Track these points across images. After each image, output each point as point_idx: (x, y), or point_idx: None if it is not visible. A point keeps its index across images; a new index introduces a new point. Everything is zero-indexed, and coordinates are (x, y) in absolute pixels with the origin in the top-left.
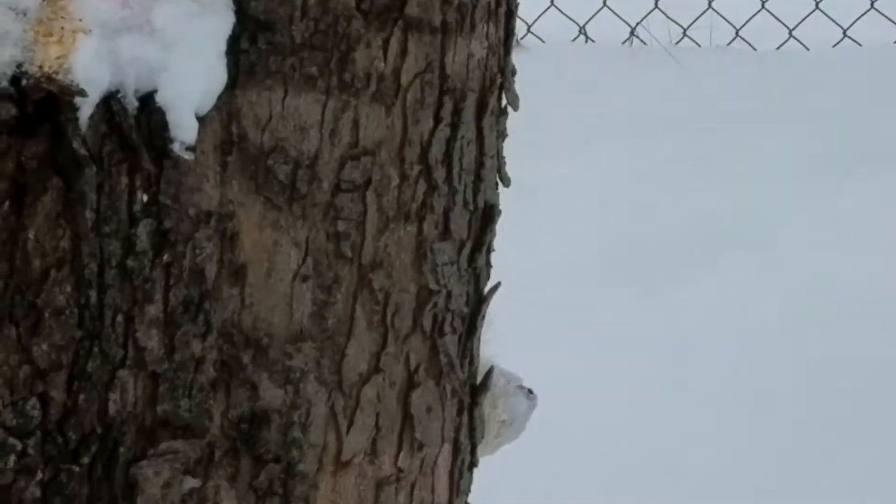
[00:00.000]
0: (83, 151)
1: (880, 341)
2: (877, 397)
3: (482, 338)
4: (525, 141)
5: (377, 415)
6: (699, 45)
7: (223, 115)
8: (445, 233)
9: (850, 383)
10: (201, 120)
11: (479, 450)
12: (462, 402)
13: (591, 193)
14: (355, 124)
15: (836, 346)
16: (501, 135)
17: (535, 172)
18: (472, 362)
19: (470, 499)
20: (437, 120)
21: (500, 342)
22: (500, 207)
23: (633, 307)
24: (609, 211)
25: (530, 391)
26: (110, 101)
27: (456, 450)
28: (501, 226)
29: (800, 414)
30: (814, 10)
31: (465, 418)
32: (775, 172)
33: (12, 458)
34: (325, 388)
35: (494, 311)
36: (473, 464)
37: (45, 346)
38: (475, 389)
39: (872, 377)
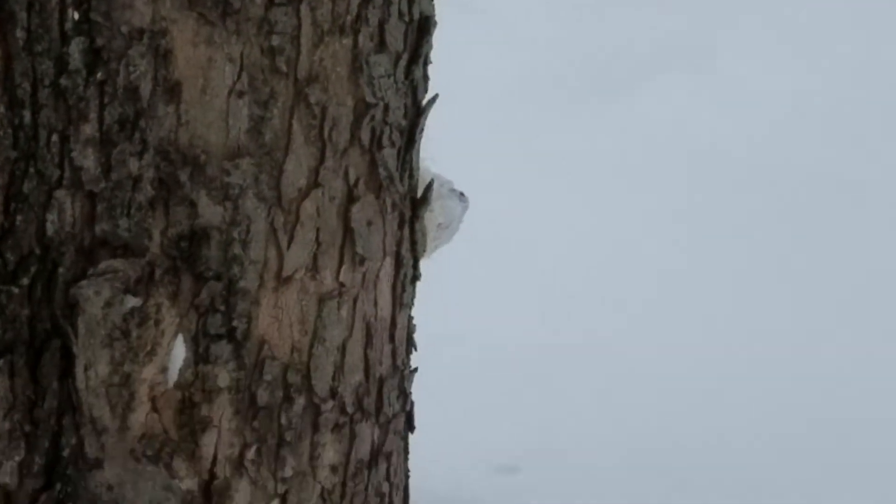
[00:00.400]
0: None
1: (821, 148)
2: (817, 201)
3: (421, 153)
4: None
5: (317, 230)
6: None
7: None
8: (381, 45)
9: (790, 192)
10: None
11: None
12: (403, 215)
13: (537, 13)
14: None
15: (776, 157)
16: None
17: None
18: (411, 175)
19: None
20: None
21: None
22: (437, 20)
23: (575, 124)
24: (554, 32)
25: (462, 194)
26: None
27: (398, 263)
28: (446, 44)
29: (740, 221)
30: None
31: (407, 231)
32: None
33: None
34: (264, 203)
35: (432, 126)
36: (416, 277)
37: None
38: (416, 203)
39: (815, 184)
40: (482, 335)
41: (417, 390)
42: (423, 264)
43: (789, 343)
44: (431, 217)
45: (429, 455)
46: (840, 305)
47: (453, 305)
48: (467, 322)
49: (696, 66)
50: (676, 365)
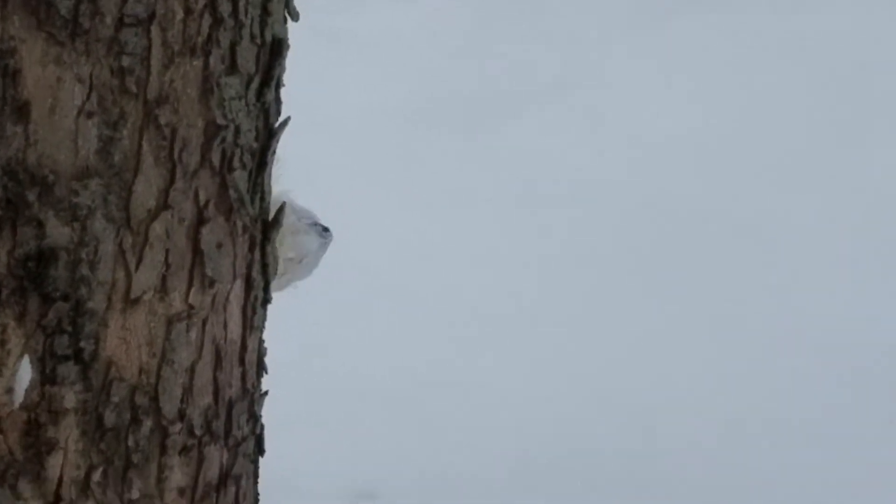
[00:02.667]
0: None
1: (701, 183)
2: (692, 231)
3: (273, 174)
4: None
5: (167, 251)
6: None
7: None
8: (232, 67)
9: (671, 225)
10: None
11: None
12: (254, 237)
13: (415, 43)
14: None
15: (653, 189)
16: None
17: (359, 19)
18: (262, 198)
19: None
20: None
21: (303, 182)
22: (290, 43)
23: (453, 154)
24: (427, 63)
25: (325, 229)
26: None
27: (249, 286)
28: (316, 73)
29: (622, 245)
30: None
31: (258, 254)
32: (597, 24)
33: None
34: (112, 224)
35: (290, 149)
36: (267, 300)
37: None
38: (267, 225)
39: (693, 217)
40: (344, 365)
41: (278, 416)
42: (286, 295)
43: (652, 367)
44: (281, 251)
45: (287, 482)
46: (709, 332)
47: (316, 335)
48: (330, 351)
49: (569, 98)
50: (541, 390)
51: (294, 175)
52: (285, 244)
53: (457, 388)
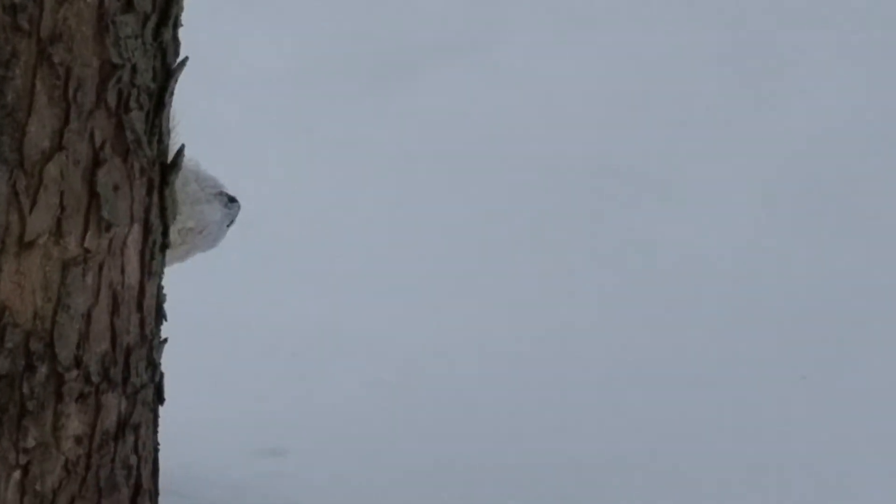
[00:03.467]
0: None
1: (606, 139)
2: (595, 189)
3: (172, 125)
4: None
5: (61, 193)
6: None
7: None
8: (128, 5)
9: (573, 177)
10: None
11: (168, 256)
12: (152, 180)
13: (317, 1)
14: None
15: (557, 144)
16: None
17: None
18: (161, 140)
19: None
20: None
21: (211, 147)
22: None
23: (357, 110)
24: (334, 19)
25: (231, 199)
26: None
27: (146, 230)
28: (224, 32)
29: (537, 205)
30: None
31: (156, 198)
32: None
33: None
34: (5, 166)
35: (198, 112)
36: (165, 245)
37: None
38: (166, 168)
39: (591, 169)
40: (259, 321)
41: (186, 371)
42: (190, 263)
43: (567, 341)
44: (182, 220)
45: (195, 437)
46: (617, 298)
47: (231, 294)
48: (244, 309)
49: (476, 53)
50: (452, 352)
51: (201, 140)
52: (184, 213)
53: (366, 345)
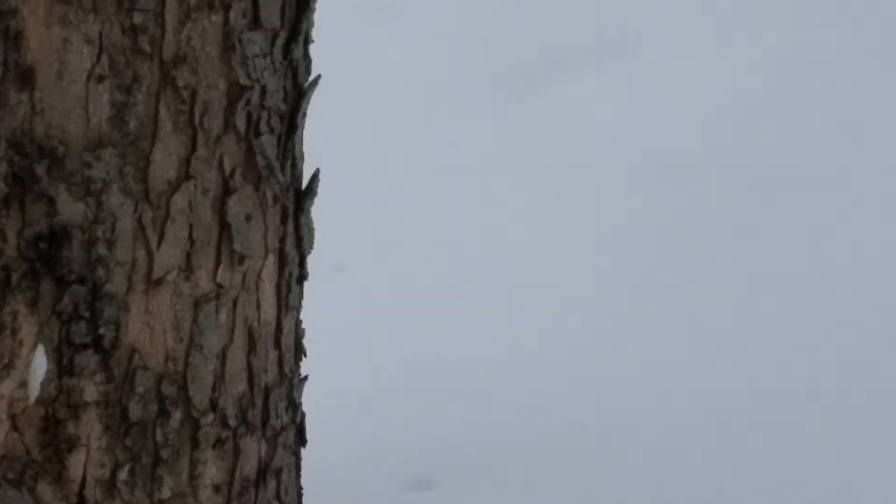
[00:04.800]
0: None
1: (745, 144)
2: (729, 191)
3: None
4: None
5: (190, 226)
6: None
7: None
8: (255, 21)
9: (714, 189)
10: None
11: None
12: (286, 208)
13: (454, 10)
14: None
15: (700, 150)
16: None
17: None
18: (294, 165)
19: None
20: None
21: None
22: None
23: (501, 115)
24: (470, 28)
25: None
26: None
27: (282, 261)
28: (360, 44)
29: (666, 221)
30: None
31: (291, 226)
32: None
33: None
34: (130, 199)
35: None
36: (303, 276)
37: None
38: (300, 195)
39: (728, 177)
40: (394, 347)
41: (331, 401)
42: (334, 275)
43: (709, 349)
44: None
45: (338, 471)
46: (772, 308)
47: (359, 317)
48: (378, 333)
49: (612, 61)
50: (595, 376)
51: (335, 162)
52: None
53: (509, 370)
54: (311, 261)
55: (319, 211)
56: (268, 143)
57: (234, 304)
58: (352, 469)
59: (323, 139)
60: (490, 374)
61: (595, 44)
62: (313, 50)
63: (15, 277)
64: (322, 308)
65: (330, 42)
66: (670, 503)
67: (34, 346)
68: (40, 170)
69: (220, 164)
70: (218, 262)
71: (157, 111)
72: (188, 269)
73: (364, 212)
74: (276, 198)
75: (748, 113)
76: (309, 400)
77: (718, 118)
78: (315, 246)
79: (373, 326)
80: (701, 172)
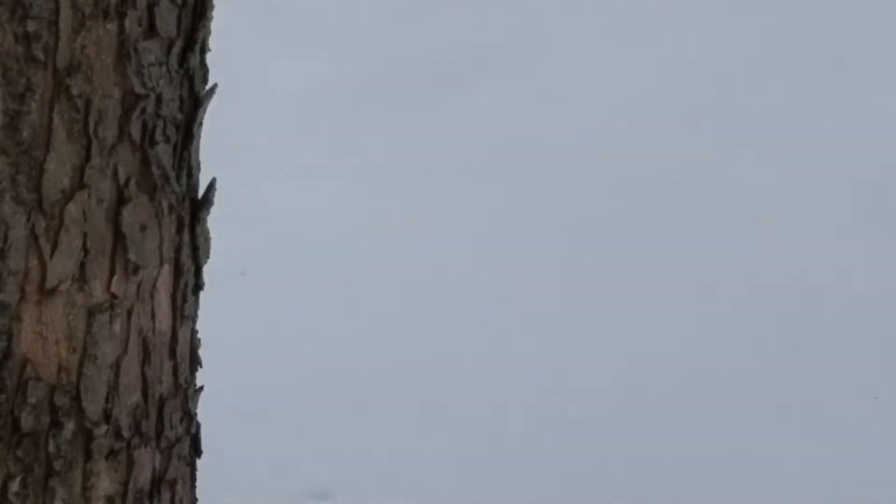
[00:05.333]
0: None
1: (643, 148)
2: (627, 193)
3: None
4: None
5: (84, 235)
6: None
7: None
8: (151, 30)
9: (623, 190)
10: None
11: None
12: (181, 218)
13: (356, 17)
14: None
15: (603, 156)
16: None
17: None
18: (190, 174)
19: None
20: None
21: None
22: (215, 3)
23: (402, 120)
24: (372, 35)
25: None
26: None
27: (177, 271)
28: (256, 50)
29: (567, 221)
30: None
31: (187, 236)
32: None
33: None
34: (23, 207)
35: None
36: (199, 286)
37: None
38: (196, 204)
39: (627, 179)
40: (295, 351)
41: (224, 412)
42: (237, 280)
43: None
44: None
45: (236, 482)
46: (680, 302)
47: (263, 324)
48: (278, 343)
49: (518, 65)
50: (503, 379)
51: (236, 168)
52: None
53: (416, 382)
54: (214, 266)
55: (222, 217)
56: (163, 152)
57: (129, 314)
58: (250, 480)
59: (224, 146)
60: (391, 382)
61: (497, 49)
62: (211, 59)
63: None
64: (226, 313)
65: (229, 51)
66: None
67: None
68: None
69: (115, 173)
70: (112, 272)
71: (50, 120)
72: (82, 278)
73: (266, 217)
74: (171, 207)
75: (649, 117)
76: (205, 410)
77: (619, 122)
78: (218, 251)
79: (275, 332)
80: (600, 174)
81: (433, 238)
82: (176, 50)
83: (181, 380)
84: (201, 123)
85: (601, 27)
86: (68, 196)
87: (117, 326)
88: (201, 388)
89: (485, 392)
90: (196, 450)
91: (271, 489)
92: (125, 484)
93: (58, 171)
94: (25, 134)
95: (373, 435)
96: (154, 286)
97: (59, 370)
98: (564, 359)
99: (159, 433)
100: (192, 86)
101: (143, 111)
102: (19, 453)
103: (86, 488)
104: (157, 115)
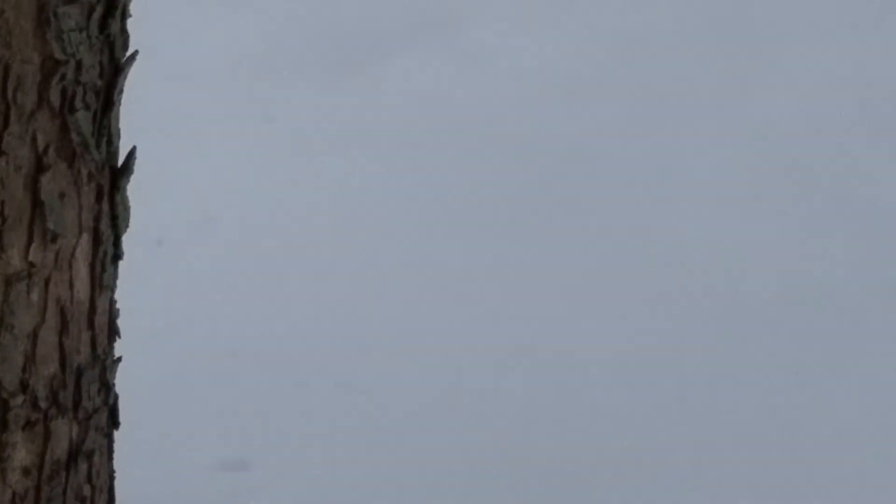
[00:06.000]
0: None
1: (575, 126)
2: (551, 167)
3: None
4: None
5: (2, 203)
6: None
7: None
8: None
9: (548, 161)
10: None
11: None
12: (101, 186)
13: None
14: None
15: (530, 130)
16: None
17: None
18: (110, 142)
19: None
20: None
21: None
22: None
23: (325, 91)
24: (293, 4)
25: None
26: None
27: (96, 240)
28: (179, 19)
29: (508, 192)
30: None
31: (106, 205)
32: None
33: None
34: None
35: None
36: (118, 256)
37: None
38: (116, 173)
39: (568, 159)
40: (210, 324)
41: (134, 384)
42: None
43: (546, 331)
44: None
45: (153, 452)
46: (602, 290)
47: (179, 295)
48: (195, 314)
49: (443, 36)
50: (421, 354)
51: (158, 136)
52: None
53: (335, 353)
54: (131, 236)
55: (139, 185)
56: (83, 119)
57: (47, 283)
58: (166, 451)
59: (142, 114)
60: (305, 353)
61: (424, 20)
62: (132, 25)
63: None
64: (142, 284)
65: (150, 17)
66: None
67: None
68: None
69: (34, 140)
70: (30, 241)
71: None
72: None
73: (184, 187)
74: (91, 175)
75: (573, 89)
76: (122, 381)
77: (544, 95)
78: (135, 221)
79: (191, 303)
80: (525, 149)
81: (353, 212)
82: (97, 15)
83: (99, 350)
84: (122, 90)
85: None
86: None
87: (35, 295)
88: (119, 358)
89: (401, 364)
90: (114, 421)
91: (186, 460)
92: (42, 455)
93: None
94: None
95: (289, 404)
96: (72, 255)
97: None
98: (475, 331)
99: (77, 404)
100: (112, 52)
101: (63, 77)
102: None
103: (1, 459)
104: (77, 82)
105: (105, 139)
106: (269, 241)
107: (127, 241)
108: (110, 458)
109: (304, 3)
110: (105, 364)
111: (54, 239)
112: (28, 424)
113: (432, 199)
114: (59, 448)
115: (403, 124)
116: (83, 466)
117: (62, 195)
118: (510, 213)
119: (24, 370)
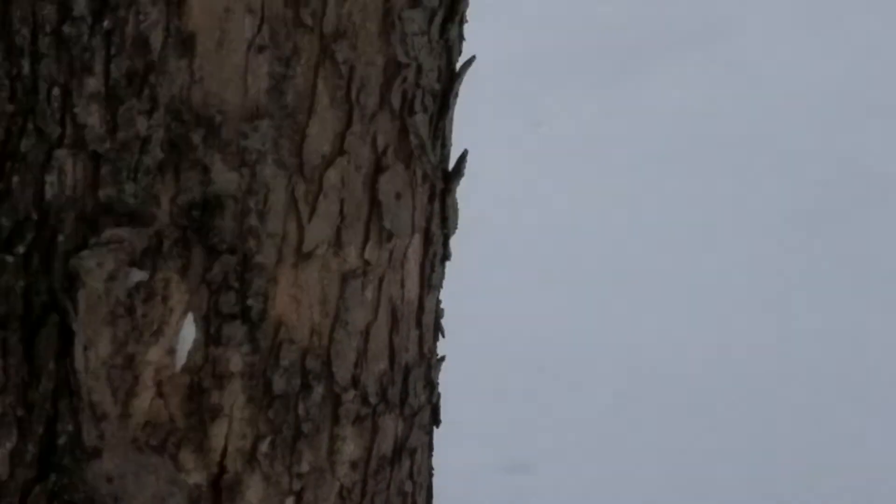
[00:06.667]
0: None
1: (846, 131)
2: (830, 181)
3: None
4: None
5: (342, 201)
6: None
7: None
8: (416, 0)
9: (820, 173)
10: None
11: None
12: (434, 187)
13: None
14: None
15: (804, 139)
16: None
17: None
18: (444, 144)
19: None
20: None
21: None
22: None
23: (588, 104)
24: (564, 10)
25: None
26: None
27: (427, 241)
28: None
29: (774, 204)
30: None
31: (437, 206)
32: None
33: None
34: (284, 171)
35: None
36: (446, 256)
37: None
38: (448, 175)
39: (840, 169)
40: (496, 327)
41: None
42: None
43: (814, 343)
44: None
45: (439, 451)
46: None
47: (456, 303)
48: (473, 320)
49: (710, 46)
50: (694, 363)
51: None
52: None
53: (617, 359)
54: None
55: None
56: (421, 122)
57: (380, 281)
58: (453, 450)
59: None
60: (591, 359)
61: (691, 30)
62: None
63: (167, 244)
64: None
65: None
66: None
67: (184, 314)
68: (196, 138)
69: (374, 140)
70: (366, 239)
71: (314, 85)
72: (337, 244)
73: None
74: (425, 177)
75: (844, 101)
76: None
77: (814, 105)
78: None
79: (464, 312)
80: (796, 160)
81: (616, 224)
82: (437, 20)
83: (425, 349)
84: (457, 95)
85: (795, 7)
86: (328, 161)
87: (369, 293)
88: (443, 357)
89: (679, 377)
90: (435, 419)
91: (475, 461)
92: (369, 450)
93: (319, 136)
94: (290, 98)
95: (573, 408)
96: (405, 255)
97: (311, 334)
98: (724, 337)
99: (403, 401)
100: (450, 57)
101: (405, 80)
102: (270, 414)
103: (332, 452)
104: (417, 85)
105: (440, 142)
106: (535, 245)
107: None
108: (430, 456)
109: (574, 10)
110: (430, 363)
111: (389, 238)
112: (358, 419)
113: (697, 207)
114: (385, 444)
115: (666, 134)
116: (406, 463)
117: (398, 195)
118: (771, 226)
119: (356, 366)
